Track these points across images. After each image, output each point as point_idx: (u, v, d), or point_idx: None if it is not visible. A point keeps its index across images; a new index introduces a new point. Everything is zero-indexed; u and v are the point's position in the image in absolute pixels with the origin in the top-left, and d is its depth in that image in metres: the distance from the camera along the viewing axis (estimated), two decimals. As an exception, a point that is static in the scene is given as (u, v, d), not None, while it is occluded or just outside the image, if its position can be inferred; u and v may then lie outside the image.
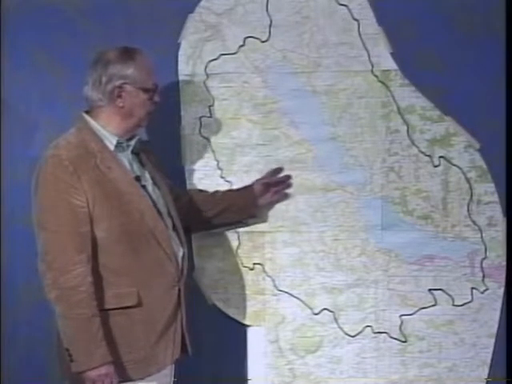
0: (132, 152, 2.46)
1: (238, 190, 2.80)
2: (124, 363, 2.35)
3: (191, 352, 2.52)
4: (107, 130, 2.40)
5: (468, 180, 2.79)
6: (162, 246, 2.38)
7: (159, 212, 2.42)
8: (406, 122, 2.81)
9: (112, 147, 2.39)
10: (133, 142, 2.45)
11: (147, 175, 2.48)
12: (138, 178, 2.41)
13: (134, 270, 2.35)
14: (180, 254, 2.47)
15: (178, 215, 2.53)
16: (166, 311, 2.41)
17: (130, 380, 2.36)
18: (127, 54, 2.41)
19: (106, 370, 2.28)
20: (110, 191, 2.33)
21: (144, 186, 2.42)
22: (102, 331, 2.28)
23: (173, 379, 2.54)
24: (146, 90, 2.41)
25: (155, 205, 2.42)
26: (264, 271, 2.87)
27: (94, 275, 2.30)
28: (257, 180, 2.80)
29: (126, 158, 2.43)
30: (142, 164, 2.49)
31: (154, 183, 2.49)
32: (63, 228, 2.27)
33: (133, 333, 2.35)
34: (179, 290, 2.45)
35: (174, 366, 2.52)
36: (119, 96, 2.39)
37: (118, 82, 2.38)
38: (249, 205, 2.77)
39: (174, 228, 2.49)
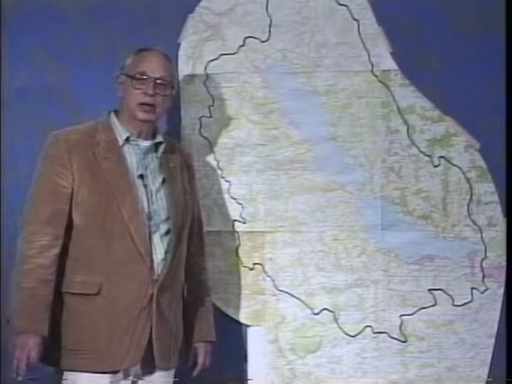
0: (155, 155, 2.46)
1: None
2: (75, 351, 2.31)
3: (161, 366, 2.40)
4: (122, 124, 2.44)
5: (468, 180, 2.79)
6: (135, 243, 2.33)
7: (149, 213, 2.38)
8: (406, 122, 2.81)
9: (121, 141, 2.42)
10: (146, 144, 2.44)
11: (159, 178, 2.44)
12: (141, 176, 2.40)
13: (103, 259, 2.33)
14: (159, 258, 2.37)
15: (182, 224, 2.47)
16: (132, 307, 2.33)
17: (74, 370, 2.31)
18: (138, 50, 2.46)
19: (25, 340, 2.26)
20: (97, 179, 2.35)
21: (146, 186, 2.40)
22: (44, 306, 2.29)
23: (173, 380, 2.52)
24: (130, 77, 2.41)
25: (149, 205, 2.38)
26: (264, 271, 2.86)
27: (68, 257, 2.35)
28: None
29: (135, 154, 2.42)
30: (161, 166, 2.46)
31: (167, 188, 2.44)
32: (41, 201, 2.35)
33: (93, 321, 2.32)
34: (151, 296, 2.34)
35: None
36: (119, 86, 2.45)
37: (117, 73, 2.45)
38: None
39: (167, 234, 2.41)
